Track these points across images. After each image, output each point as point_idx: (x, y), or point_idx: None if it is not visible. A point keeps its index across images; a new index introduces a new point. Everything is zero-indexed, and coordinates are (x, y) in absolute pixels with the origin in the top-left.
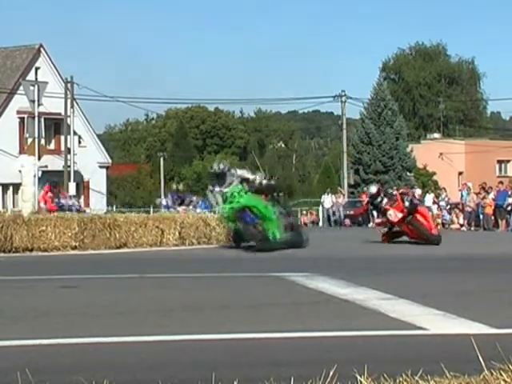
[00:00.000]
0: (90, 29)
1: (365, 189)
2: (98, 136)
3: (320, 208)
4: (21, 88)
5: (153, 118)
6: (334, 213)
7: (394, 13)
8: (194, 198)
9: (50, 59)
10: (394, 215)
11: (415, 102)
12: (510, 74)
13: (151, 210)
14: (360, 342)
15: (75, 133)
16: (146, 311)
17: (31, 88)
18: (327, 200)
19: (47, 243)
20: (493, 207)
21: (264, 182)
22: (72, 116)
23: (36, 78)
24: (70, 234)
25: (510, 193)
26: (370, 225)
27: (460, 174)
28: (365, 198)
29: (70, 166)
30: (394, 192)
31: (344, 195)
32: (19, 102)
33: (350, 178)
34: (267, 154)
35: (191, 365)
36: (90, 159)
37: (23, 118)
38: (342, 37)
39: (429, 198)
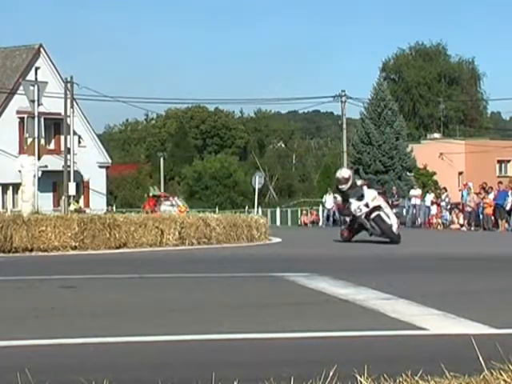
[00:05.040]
0: (90, 29)
1: None
2: (98, 136)
3: (320, 208)
4: (21, 88)
5: (152, 118)
6: (334, 213)
7: (394, 13)
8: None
9: (50, 59)
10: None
11: (415, 101)
12: (510, 74)
13: None
14: (360, 341)
15: (75, 133)
16: (146, 311)
17: (31, 88)
18: (329, 200)
19: (47, 243)
20: (493, 207)
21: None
22: (72, 116)
23: (36, 78)
24: (69, 234)
25: (510, 193)
26: None
27: (460, 173)
28: None
29: (69, 166)
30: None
31: None
32: (19, 102)
33: None
34: (267, 154)
35: (191, 365)
36: (89, 159)
37: (23, 117)
38: (341, 37)
39: (428, 198)
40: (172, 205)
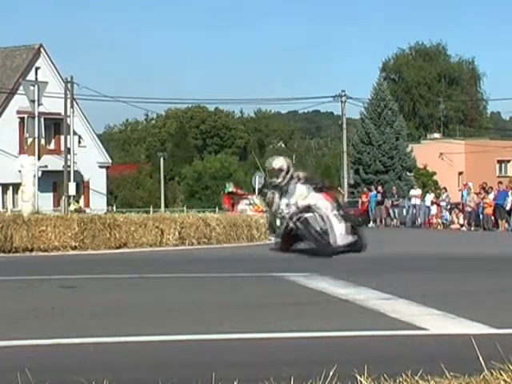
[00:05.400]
0: (90, 29)
1: (365, 189)
2: (98, 136)
3: None
4: (21, 88)
5: (152, 118)
6: None
7: (394, 13)
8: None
9: (50, 59)
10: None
11: (415, 101)
12: (510, 74)
13: (151, 210)
14: (360, 341)
15: (75, 133)
16: (146, 311)
17: (31, 88)
18: None
19: (47, 243)
20: (493, 207)
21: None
22: (72, 116)
23: (36, 78)
24: (69, 234)
25: (510, 193)
26: (370, 225)
27: (460, 173)
28: (365, 199)
29: (69, 166)
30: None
31: (344, 195)
32: (19, 101)
33: (350, 178)
34: (267, 154)
35: (191, 365)
36: (90, 159)
37: (23, 117)
38: (341, 37)
39: (428, 198)
40: (250, 203)
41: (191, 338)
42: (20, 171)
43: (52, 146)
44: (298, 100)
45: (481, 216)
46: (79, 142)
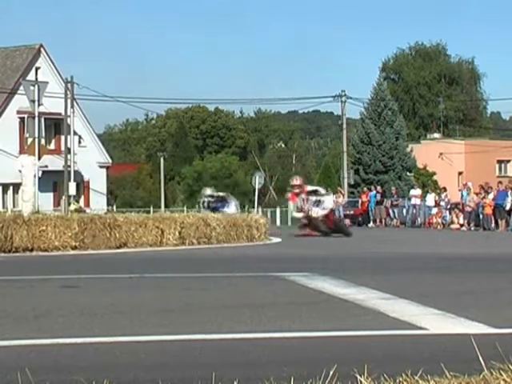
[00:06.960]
0: (90, 29)
1: (365, 189)
2: (98, 136)
3: None
4: (21, 88)
5: (153, 118)
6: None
7: (393, 13)
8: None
9: (50, 59)
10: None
11: (415, 102)
12: (510, 74)
13: (151, 210)
14: (360, 342)
15: (75, 133)
16: (146, 311)
17: (31, 88)
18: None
19: (47, 243)
20: (492, 207)
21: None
22: (72, 116)
23: (36, 78)
24: (69, 234)
25: (509, 193)
26: (370, 225)
27: (460, 173)
28: (365, 199)
29: (70, 166)
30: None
31: (344, 195)
32: (19, 101)
33: (350, 177)
34: (267, 154)
35: (191, 365)
36: (90, 159)
37: (23, 117)
38: (342, 37)
39: (430, 198)
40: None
41: (191, 338)
42: (20, 171)
43: (52, 146)
44: (298, 100)
45: (481, 216)
46: (79, 142)
